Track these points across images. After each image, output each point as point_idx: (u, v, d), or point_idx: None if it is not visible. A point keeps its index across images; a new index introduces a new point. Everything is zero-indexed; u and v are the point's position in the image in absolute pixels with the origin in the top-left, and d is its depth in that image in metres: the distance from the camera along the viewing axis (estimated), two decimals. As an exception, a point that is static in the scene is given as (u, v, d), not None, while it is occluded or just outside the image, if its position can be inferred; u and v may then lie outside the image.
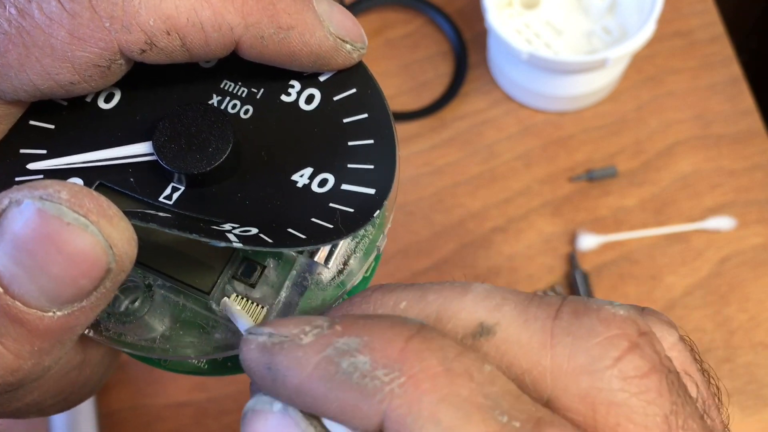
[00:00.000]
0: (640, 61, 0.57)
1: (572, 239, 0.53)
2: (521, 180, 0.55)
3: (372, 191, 0.23)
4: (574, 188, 0.55)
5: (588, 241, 0.52)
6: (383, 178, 0.23)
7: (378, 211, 0.22)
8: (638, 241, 0.53)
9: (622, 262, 0.53)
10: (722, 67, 0.58)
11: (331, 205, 0.23)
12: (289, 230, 0.22)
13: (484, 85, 0.58)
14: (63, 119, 0.24)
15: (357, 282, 0.24)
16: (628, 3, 0.54)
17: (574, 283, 0.51)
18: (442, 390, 0.16)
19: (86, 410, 0.48)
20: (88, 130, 0.24)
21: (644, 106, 0.57)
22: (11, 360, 0.19)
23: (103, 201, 0.19)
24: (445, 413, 0.16)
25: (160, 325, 0.24)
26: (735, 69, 0.58)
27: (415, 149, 0.56)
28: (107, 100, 0.25)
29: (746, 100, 0.57)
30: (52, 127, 0.24)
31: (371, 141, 0.24)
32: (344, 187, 0.23)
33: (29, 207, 0.18)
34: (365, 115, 0.24)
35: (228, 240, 0.21)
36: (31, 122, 0.24)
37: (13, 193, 0.19)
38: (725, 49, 0.59)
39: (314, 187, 0.23)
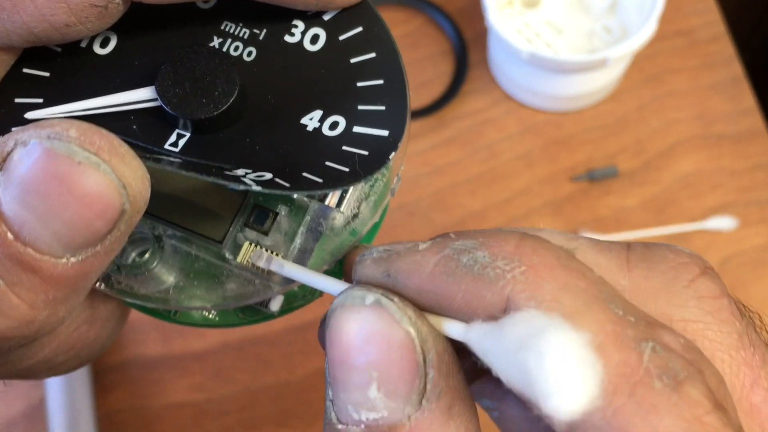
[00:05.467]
0: (641, 60, 0.57)
1: (573, 239, 0.53)
2: (522, 180, 0.55)
3: (385, 133, 0.22)
4: (574, 188, 0.54)
5: (589, 242, 0.52)
6: (396, 118, 0.22)
7: (393, 153, 0.22)
8: (639, 241, 0.53)
9: (622, 263, 0.52)
10: (723, 66, 0.58)
11: (344, 148, 0.22)
12: (305, 174, 0.21)
13: (484, 85, 0.58)
14: (58, 66, 0.23)
15: (369, 228, 0.24)
16: (629, 2, 0.54)
17: (575, 284, 0.51)
18: (561, 279, 0.17)
19: (86, 410, 0.48)
20: (84, 76, 0.23)
21: (645, 105, 0.57)
22: (26, 310, 0.18)
23: (114, 138, 0.18)
24: (567, 298, 0.16)
25: (171, 277, 0.23)
26: (736, 68, 0.58)
27: (415, 149, 0.56)
28: (103, 45, 0.24)
29: (748, 99, 0.57)
30: (47, 74, 0.23)
31: (381, 81, 0.23)
32: (356, 129, 0.22)
33: (36, 147, 0.17)
34: (373, 55, 0.23)
35: (245, 183, 0.20)
36: (25, 70, 0.23)
37: (19, 134, 0.18)
38: (726, 48, 0.58)
39: (325, 131, 0.22)
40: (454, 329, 0.18)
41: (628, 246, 0.20)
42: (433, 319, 0.18)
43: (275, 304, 0.25)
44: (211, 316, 0.25)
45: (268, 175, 0.21)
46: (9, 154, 0.18)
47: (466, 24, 0.59)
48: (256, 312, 0.26)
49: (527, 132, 0.56)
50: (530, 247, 0.17)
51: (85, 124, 0.18)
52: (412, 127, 0.56)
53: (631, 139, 0.56)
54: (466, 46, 0.58)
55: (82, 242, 0.18)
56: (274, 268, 0.22)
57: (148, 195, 0.19)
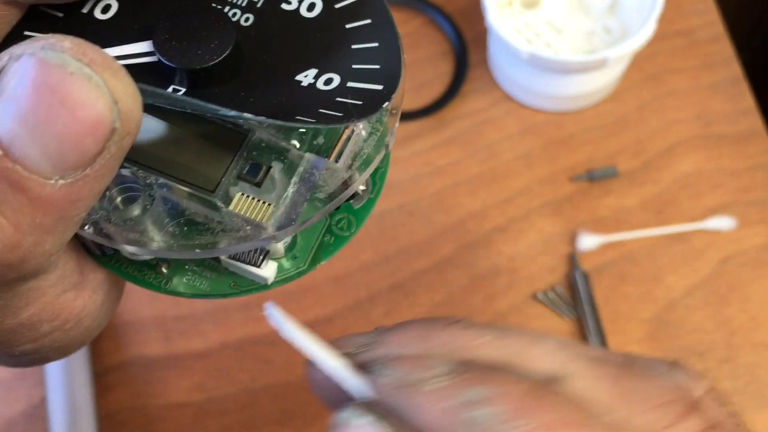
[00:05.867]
0: (640, 60, 0.57)
1: (573, 239, 0.53)
2: (521, 180, 0.55)
3: (379, 87, 0.23)
4: (574, 188, 0.55)
5: (588, 242, 0.52)
6: (390, 74, 0.23)
7: (387, 102, 0.23)
8: (639, 242, 0.53)
9: (622, 263, 0.52)
10: (723, 66, 0.58)
11: (338, 99, 0.23)
12: (298, 117, 0.22)
13: (484, 85, 0.58)
14: (59, 30, 0.24)
15: (363, 203, 0.25)
16: (628, 2, 0.54)
17: (575, 284, 0.51)
18: None
19: (86, 410, 0.48)
20: (85, 40, 0.24)
21: (645, 105, 0.57)
22: (11, 232, 0.18)
23: (107, 54, 0.18)
24: None
25: (162, 227, 0.24)
26: (736, 68, 0.58)
27: (415, 149, 0.56)
28: (104, 11, 0.24)
29: (747, 99, 0.57)
30: None
31: (376, 44, 0.24)
32: (350, 84, 0.23)
33: (29, 58, 0.17)
34: (368, 21, 0.24)
35: (239, 116, 0.22)
36: (27, 33, 0.24)
37: (13, 49, 0.18)
38: (726, 48, 0.58)
39: (320, 86, 0.23)
40: None
41: (618, 375, 0.21)
42: None
43: (268, 271, 0.25)
44: (202, 286, 0.26)
45: (262, 118, 0.23)
46: (3, 68, 0.18)
47: (466, 24, 0.59)
48: (249, 282, 0.26)
49: (527, 132, 0.56)
50: (538, 403, 0.19)
51: (79, 39, 0.18)
52: (411, 127, 0.56)
53: (631, 139, 0.56)
54: (466, 46, 0.58)
55: (71, 162, 0.18)
56: (284, 331, 0.23)
57: (140, 116, 0.19)
